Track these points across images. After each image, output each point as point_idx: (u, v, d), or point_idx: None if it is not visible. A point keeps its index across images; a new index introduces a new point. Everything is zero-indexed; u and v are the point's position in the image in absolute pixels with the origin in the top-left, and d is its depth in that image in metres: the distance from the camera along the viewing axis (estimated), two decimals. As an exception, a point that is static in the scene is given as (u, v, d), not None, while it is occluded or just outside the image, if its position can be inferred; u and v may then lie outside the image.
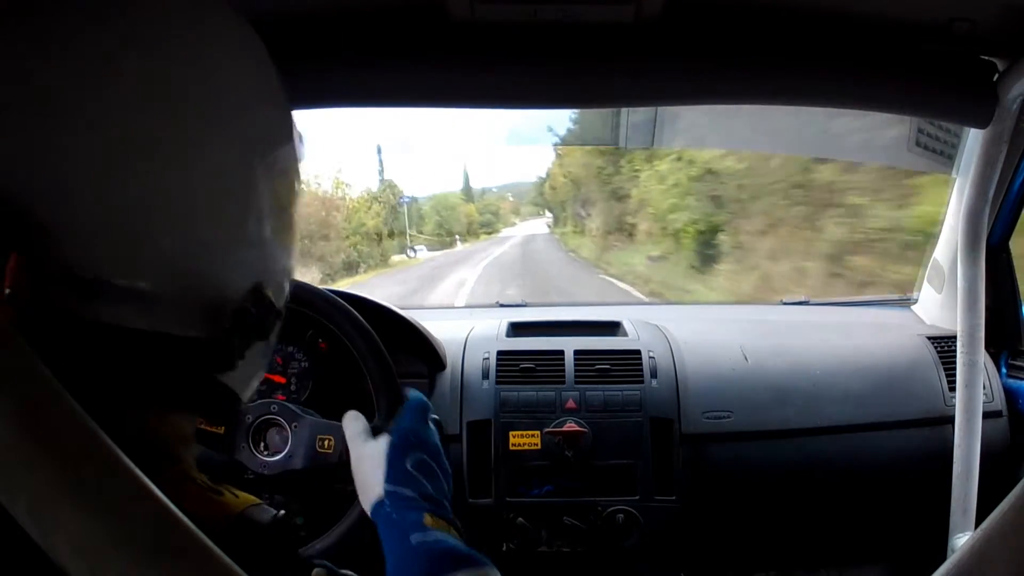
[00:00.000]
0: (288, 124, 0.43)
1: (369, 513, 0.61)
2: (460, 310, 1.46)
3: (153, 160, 0.34)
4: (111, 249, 0.34)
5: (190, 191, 0.36)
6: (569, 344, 1.09)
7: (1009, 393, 1.12)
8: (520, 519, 0.99)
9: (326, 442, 0.78)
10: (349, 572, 0.39)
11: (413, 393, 0.70)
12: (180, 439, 0.41)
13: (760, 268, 5.66)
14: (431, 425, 0.68)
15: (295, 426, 0.79)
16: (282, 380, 1.00)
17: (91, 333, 0.34)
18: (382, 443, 0.64)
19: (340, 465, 0.76)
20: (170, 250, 0.35)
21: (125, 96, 0.34)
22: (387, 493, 0.59)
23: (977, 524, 0.88)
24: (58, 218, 0.33)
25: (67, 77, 0.33)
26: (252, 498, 0.39)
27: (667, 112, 1.20)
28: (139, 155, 0.34)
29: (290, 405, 0.81)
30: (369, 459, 0.63)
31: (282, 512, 0.40)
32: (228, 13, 0.39)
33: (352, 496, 0.72)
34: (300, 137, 0.44)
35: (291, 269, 0.44)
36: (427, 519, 0.57)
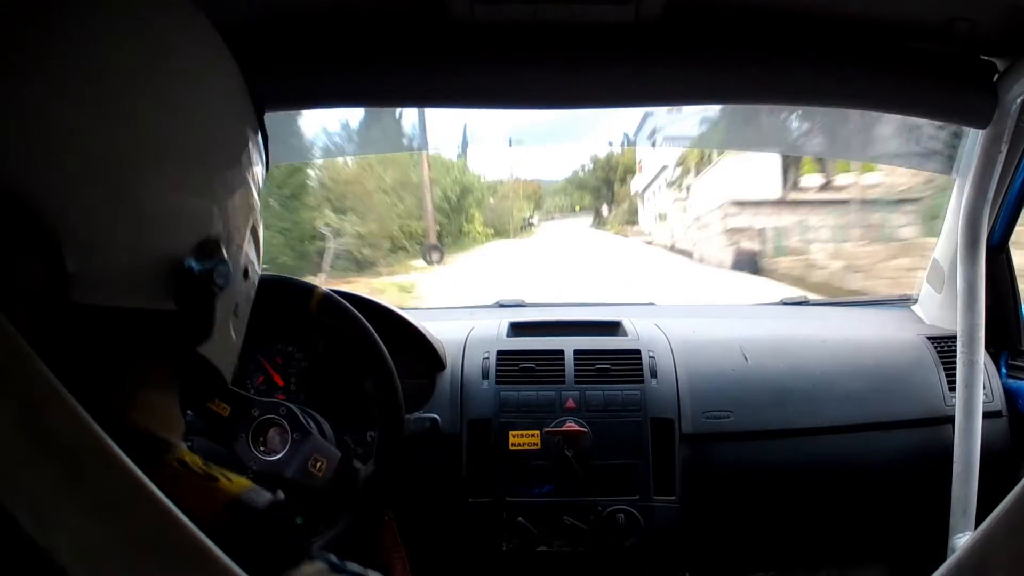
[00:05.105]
0: (248, 122, 0.45)
1: None
2: (460, 310, 1.46)
3: (129, 157, 0.36)
4: (93, 235, 0.35)
5: (158, 183, 0.37)
6: (569, 344, 1.09)
7: (1009, 393, 1.12)
8: (520, 519, 0.99)
9: (319, 464, 0.78)
10: (355, 565, 0.39)
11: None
12: (167, 424, 0.41)
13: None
14: None
15: (296, 436, 0.79)
16: (281, 382, 1.00)
17: (77, 319, 0.35)
18: None
19: (324, 490, 0.77)
20: (134, 226, 0.36)
21: (92, 98, 0.35)
22: None
23: (977, 524, 0.88)
24: (59, 217, 0.34)
25: (46, 86, 0.34)
26: (247, 482, 0.39)
27: (661, 111, 1.20)
28: (114, 154, 0.36)
29: (298, 414, 0.81)
30: None
31: (280, 493, 0.40)
32: (191, 20, 0.42)
33: (346, 502, 0.73)
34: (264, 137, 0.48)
35: (242, 229, 0.44)
36: None
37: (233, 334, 0.45)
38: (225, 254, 0.40)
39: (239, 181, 0.43)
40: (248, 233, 0.45)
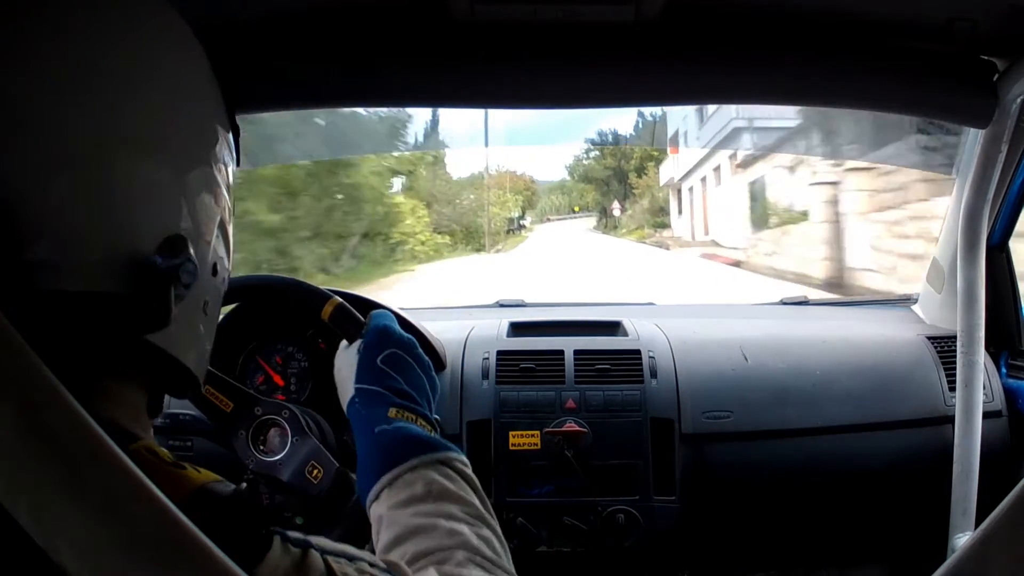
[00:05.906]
0: (218, 118, 0.46)
1: (347, 414, 0.64)
2: (460, 310, 1.45)
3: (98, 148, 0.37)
4: (51, 216, 0.35)
5: (124, 174, 0.38)
6: (569, 344, 1.09)
7: (1009, 393, 1.12)
8: (520, 519, 0.99)
9: (315, 471, 0.78)
10: (298, 534, 0.39)
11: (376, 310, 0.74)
12: (132, 414, 0.42)
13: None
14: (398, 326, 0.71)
15: (296, 440, 0.79)
16: (281, 382, 1.00)
17: (34, 302, 0.35)
18: (356, 346, 0.68)
19: (318, 498, 0.77)
20: (95, 211, 0.37)
21: (66, 93, 0.36)
22: (357, 391, 0.63)
23: (977, 524, 0.88)
24: (23, 205, 0.34)
25: (12, 77, 0.35)
26: (213, 475, 0.40)
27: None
28: (81, 146, 0.36)
29: (300, 417, 0.81)
30: (346, 364, 0.68)
31: (243, 485, 0.40)
32: (157, 13, 0.42)
33: (339, 513, 0.74)
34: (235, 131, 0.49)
35: (210, 226, 0.45)
36: (391, 411, 0.60)
37: (201, 330, 0.45)
38: (192, 251, 0.40)
39: (208, 177, 0.44)
40: (217, 229, 0.45)
